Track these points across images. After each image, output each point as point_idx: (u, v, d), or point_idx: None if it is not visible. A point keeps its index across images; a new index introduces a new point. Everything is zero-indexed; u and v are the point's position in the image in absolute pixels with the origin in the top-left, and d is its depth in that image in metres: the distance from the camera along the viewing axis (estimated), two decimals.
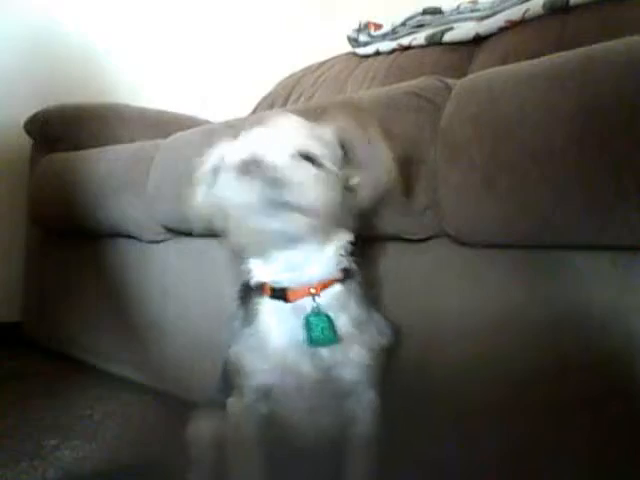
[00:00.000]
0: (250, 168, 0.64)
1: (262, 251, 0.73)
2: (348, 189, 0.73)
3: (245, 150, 0.70)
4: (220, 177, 0.74)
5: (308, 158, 0.68)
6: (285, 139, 0.68)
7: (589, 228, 0.69)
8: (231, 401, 0.79)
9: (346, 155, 0.73)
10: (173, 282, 1.39)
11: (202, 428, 0.88)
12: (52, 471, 1.04)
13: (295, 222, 0.65)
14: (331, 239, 0.74)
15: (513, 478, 0.79)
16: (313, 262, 0.73)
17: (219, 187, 0.74)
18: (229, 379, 0.80)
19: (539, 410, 0.76)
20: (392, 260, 0.92)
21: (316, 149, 0.69)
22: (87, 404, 1.37)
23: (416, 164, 0.83)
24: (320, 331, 0.71)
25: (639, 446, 0.68)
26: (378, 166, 0.72)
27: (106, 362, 1.60)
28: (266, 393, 0.75)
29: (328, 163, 0.69)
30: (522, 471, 0.78)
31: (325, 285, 0.74)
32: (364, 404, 0.77)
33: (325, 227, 0.70)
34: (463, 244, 0.82)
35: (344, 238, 0.75)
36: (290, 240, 0.69)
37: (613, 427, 0.70)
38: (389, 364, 0.78)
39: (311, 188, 0.65)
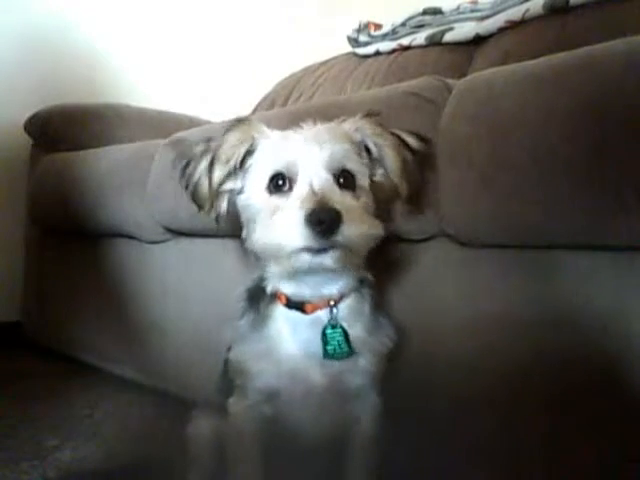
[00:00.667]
0: (311, 218, 0.61)
1: (293, 276, 0.70)
2: (372, 185, 0.72)
3: (280, 164, 0.68)
4: (250, 180, 0.72)
5: (345, 175, 0.68)
6: (327, 156, 0.67)
7: (588, 228, 0.69)
8: (232, 401, 0.79)
9: (367, 152, 0.73)
10: (173, 282, 1.39)
11: (201, 427, 0.88)
12: (52, 471, 1.04)
13: (336, 258, 0.63)
14: None
15: (510, 467, 0.79)
16: (336, 281, 0.72)
17: (250, 194, 0.71)
18: (229, 379, 0.80)
19: (538, 408, 0.76)
20: (393, 260, 0.92)
21: (355, 167, 0.69)
22: (87, 404, 1.37)
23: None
24: (336, 344, 0.71)
25: (637, 443, 0.68)
26: (391, 162, 0.72)
27: (106, 362, 1.60)
28: (271, 395, 0.74)
29: (364, 180, 0.70)
30: (518, 461, 0.78)
31: (342, 296, 0.73)
32: (367, 405, 0.77)
33: (363, 256, 0.68)
34: (462, 244, 0.82)
35: None
36: (328, 272, 0.68)
37: (612, 424, 0.70)
38: (393, 362, 0.78)
39: (363, 229, 0.64)
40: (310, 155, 0.67)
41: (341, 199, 0.64)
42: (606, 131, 0.65)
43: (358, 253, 0.66)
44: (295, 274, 0.68)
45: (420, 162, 0.73)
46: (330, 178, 0.66)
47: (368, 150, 0.73)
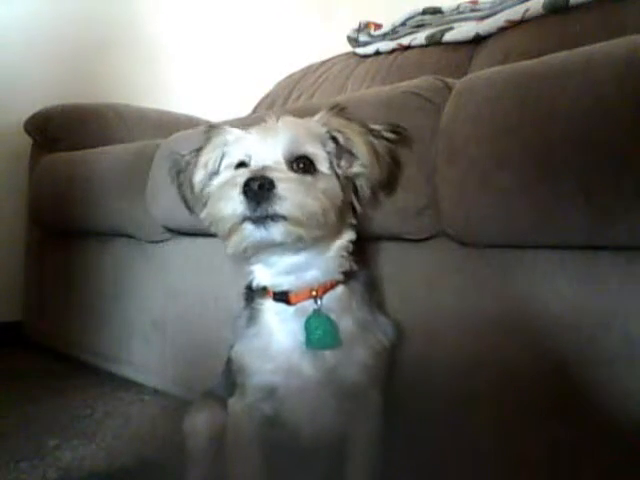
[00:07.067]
0: (245, 186, 0.63)
1: (257, 255, 0.72)
2: (349, 178, 0.73)
3: (241, 154, 0.72)
4: (217, 179, 0.76)
5: (303, 161, 0.69)
6: (282, 143, 0.69)
7: (588, 228, 0.69)
8: (232, 401, 0.79)
9: (340, 146, 0.73)
10: (173, 281, 1.39)
11: (198, 423, 0.88)
12: (52, 471, 1.04)
13: (280, 231, 0.64)
14: (332, 241, 0.73)
15: (508, 468, 0.79)
16: (314, 265, 0.73)
17: (216, 192, 0.72)
18: (231, 377, 0.80)
19: (537, 408, 0.76)
20: (392, 260, 0.92)
21: (313, 151, 0.70)
22: (87, 404, 1.37)
23: (416, 164, 0.83)
24: (321, 334, 0.71)
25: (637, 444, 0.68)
26: (358, 148, 0.73)
27: (106, 362, 1.60)
28: (270, 393, 0.74)
29: (324, 164, 0.70)
30: (517, 462, 0.78)
31: (327, 287, 0.74)
32: (368, 406, 0.77)
33: (317, 233, 0.68)
34: (462, 244, 0.83)
35: (346, 237, 0.74)
36: (281, 247, 0.68)
37: (613, 426, 0.70)
38: (391, 362, 0.78)
39: (301, 199, 0.64)
40: (262, 143, 0.71)
41: (281, 174, 0.65)
42: (606, 131, 0.65)
43: (305, 226, 0.65)
44: (254, 252, 0.70)
45: (389, 148, 0.75)
46: (280, 161, 0.68)
47: (337, 141, 0.73)
